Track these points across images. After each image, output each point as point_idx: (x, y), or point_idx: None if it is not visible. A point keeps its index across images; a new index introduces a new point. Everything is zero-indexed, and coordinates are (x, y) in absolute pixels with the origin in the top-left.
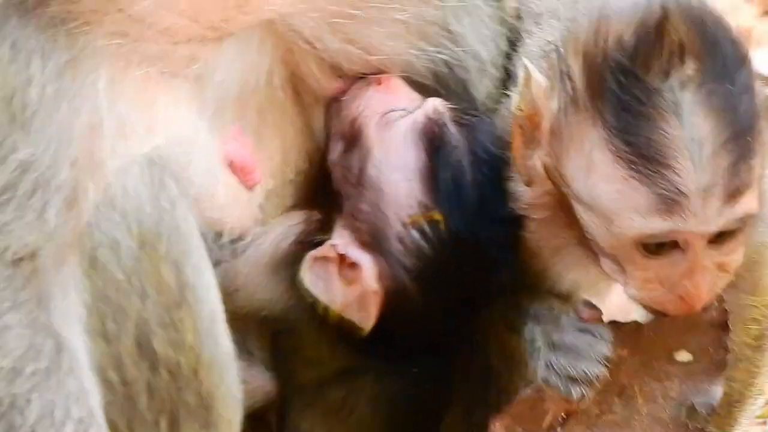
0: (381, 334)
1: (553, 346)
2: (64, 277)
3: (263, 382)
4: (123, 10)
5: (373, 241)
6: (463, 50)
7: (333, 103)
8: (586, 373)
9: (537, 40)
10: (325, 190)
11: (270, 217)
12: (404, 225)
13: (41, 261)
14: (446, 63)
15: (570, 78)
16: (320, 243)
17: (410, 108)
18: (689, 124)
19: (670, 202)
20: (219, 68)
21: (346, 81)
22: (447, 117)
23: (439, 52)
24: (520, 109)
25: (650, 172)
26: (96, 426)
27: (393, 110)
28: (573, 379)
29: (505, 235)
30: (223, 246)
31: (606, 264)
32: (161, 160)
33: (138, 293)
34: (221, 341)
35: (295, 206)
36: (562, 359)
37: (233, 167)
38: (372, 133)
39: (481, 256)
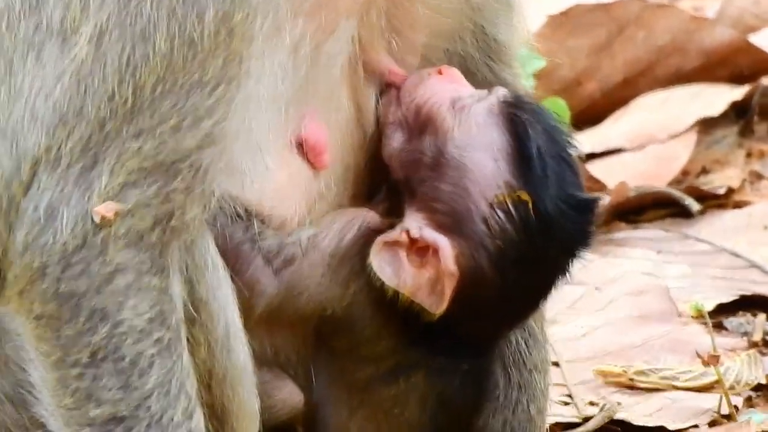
0: (446, 325)
1: None
2: (181, 254)
3: (291, 393)
4: None
5: (454, 222)
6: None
7: (388, 91)
8: None
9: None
10: (382, 181)
11: (324, 208)
12: (490, 205)
13: (186, 237)
14: (472, 8)
15: None
16: (382, 233)
17: (479, 94)
18: None
19: None
20: (326, 44)
21: (398, 66)
22: (519, 102)
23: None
24: None
25: None
26: (198, 408)
27: (462, 96)
28: None
29: (586, 221)
30: (283, 244)
31: None
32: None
33: None
34: (236, 356)
35: (350, 199)
36: None
37: (303, 147)
38: (447, 117)
39: (563, 242)
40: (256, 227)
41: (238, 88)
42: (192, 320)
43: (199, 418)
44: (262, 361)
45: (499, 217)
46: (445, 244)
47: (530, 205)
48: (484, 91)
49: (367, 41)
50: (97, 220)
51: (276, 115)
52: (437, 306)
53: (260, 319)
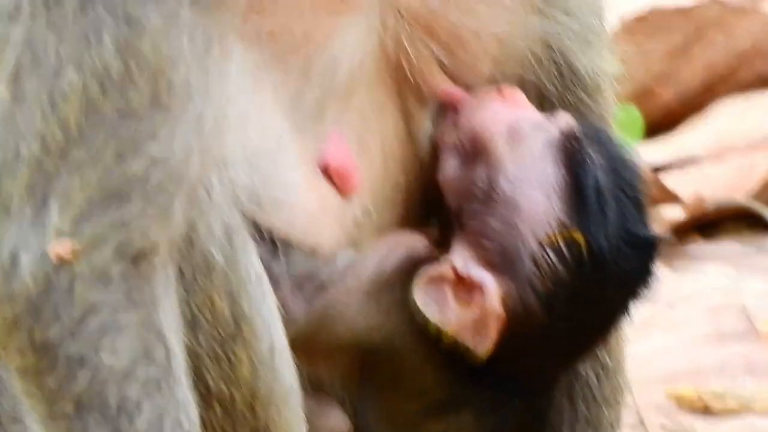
0: (494, 362)
1: None
2: (169, 280)
3: (337, 421)
4: None
5: (502, 260)
6: (565, 15)
7: (446, 113)
8: None
9: None
10: (434, 207)
11: (365, 236)
12: (541, 244)
13: (158, 259)
14: (546, 37)
15: None
16: (427, 264)
17: (539, 122)
18: None
19: None
20: (330, 53)
21: (456, 87)
22: (581, 133)
23: (540, 25)
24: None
25: None
26: None
27: (521, 124)
28: None
29: (647, 260)
30: (316, 268)
31: None
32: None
33: (189, 324)
34: (281, 375)
35: (393, 226)
36: None
37: (329, 172)
38: (501, 146)
39: (620, 283)
40: (282, 250)
41: (184, 109)
42: (233, 337)
43: None
44: (306, 386)
45: (550, 258)
46: (491, 283)
47: (584, 245)
48: (546, 118)
49: (412, 62)
50: (55, 260)
51: (280, 137)
52: (482, 347)
53: (293, 347)
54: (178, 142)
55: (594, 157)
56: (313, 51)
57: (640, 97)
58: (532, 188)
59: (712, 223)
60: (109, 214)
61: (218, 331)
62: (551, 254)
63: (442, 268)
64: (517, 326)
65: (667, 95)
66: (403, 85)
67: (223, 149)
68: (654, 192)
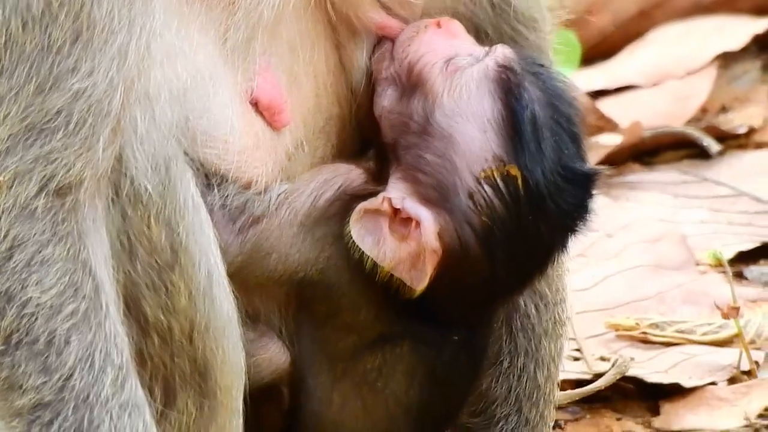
0: (431, 296)
1: None
2: (98, 212)
3: (275, 353)
4: None
5: (438, 195)
6: None
7: (382, 44)
8: None
9: None
10: (371, 140)
11: (299, 169)
12: (476, 179)
13: (83, 193)
14: None
15: None
16: (364, 197)
17: (476, 54)
18: None
19: None
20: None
21: (392, 19)
22: (518, 65)
23: None
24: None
25: None
26: (132, 375)
27: (458, 55)
28: None
29: (584, 195)
30: (249, 200)
31: None
32: (165, 106)
33: (126, 254)
34: (219, 305)
35: (327, 158)
36: None
37: (259, 106)
38: (438, 79)
39: (557, 218)
40: (215, 184)
41: (106, 43)
42: (171, 265)
43: (132, 387)
44: (245, 318)
45: (486, 193)
46: (427, 218)
47: (520, 180)
48: (483, 50)
49: None
50: None
51: (209, 73)
52: (417, 282)
53: (229, 279)
54: (101, 76)
55: (531, 90)
56: None
57: (577, 23)
58: (468, 123)
59: (651, 152)
60: (32, 149)
61: (155, 260)
62: (487, 189)
63: (379, 201)
64: (453, 261)
65: (604, 21)
66: (334, 18)
67: (148, 83)
68: (592, 119)
